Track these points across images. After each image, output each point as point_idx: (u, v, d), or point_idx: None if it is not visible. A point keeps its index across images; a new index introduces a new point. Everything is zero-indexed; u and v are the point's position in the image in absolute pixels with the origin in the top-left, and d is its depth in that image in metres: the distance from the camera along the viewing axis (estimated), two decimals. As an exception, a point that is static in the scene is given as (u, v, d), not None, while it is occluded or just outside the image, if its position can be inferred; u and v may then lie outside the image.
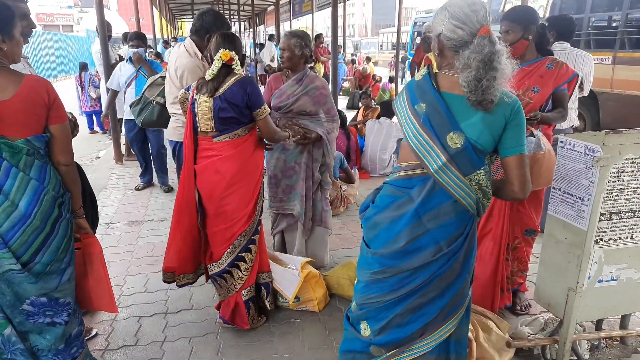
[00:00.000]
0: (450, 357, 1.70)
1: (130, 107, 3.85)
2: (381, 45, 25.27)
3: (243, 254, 2.47)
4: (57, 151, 1.83)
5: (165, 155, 5.15)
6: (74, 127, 2.16)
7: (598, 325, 2.48)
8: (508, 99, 1.55)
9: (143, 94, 3.73)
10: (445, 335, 1.65)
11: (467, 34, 1.50)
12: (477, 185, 1.57)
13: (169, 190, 5.19)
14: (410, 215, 1.57)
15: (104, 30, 5.93)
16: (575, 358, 2.32)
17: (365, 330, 1.73)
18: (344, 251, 3.70)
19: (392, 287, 1.63)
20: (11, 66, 1.77)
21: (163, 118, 3.39)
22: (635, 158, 2.05)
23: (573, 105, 3.33)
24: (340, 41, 15.47)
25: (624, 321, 2.49)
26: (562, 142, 2.17)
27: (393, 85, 11.22)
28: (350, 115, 7.91)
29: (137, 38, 5.25)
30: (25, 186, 1.71)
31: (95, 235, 2.33)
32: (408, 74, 18.04)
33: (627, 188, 2.09)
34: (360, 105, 8.03)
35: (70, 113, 2.13)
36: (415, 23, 18.95)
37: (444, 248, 1.58)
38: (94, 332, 2.63)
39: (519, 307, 2.77)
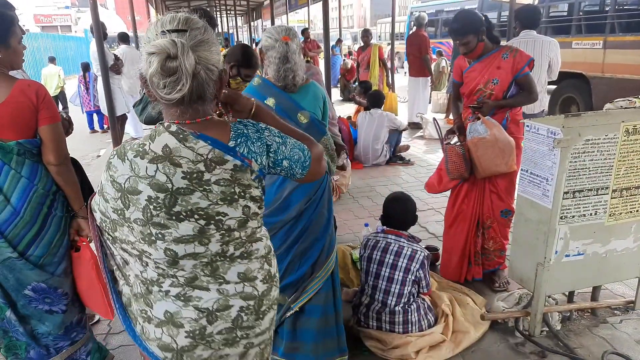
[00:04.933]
0: (336, 290, 2.19)
1: (134, 107, 4.00)
2: (379, 36, 25.25)
3: None
4: (47, 151, 1.87)
5: None
6: (68, 126, 2.25)
7: (570, 297, 2.62)
8: (319, 86, 2.15)
9: (144, 94, 3.89)
10: (329, 271, 2.13)
11: (273, 40, 2.00)
12: (325, 149, 2.06)
13: None
14: (281, 178, 2.02)
15: (99, 30, 6.02)
16: (547, 329, 2.47)
17: None
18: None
19: (281, 239, 2.07)
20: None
21: (162, 116, 3.58)
22: (595, 139, 2.18)
23: (542, 89, 3.49)
24: (337, 33, 15.52)
25: (594, 293, 2.63)
26: (528, 126, 2.31)
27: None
28: (343, 109, 8.00)
29: None
30: (16, 183, 1.83)
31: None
32: (405, 63, 18.04)
33: (589, 167, 2.22)
34: (357, 98, 8.14)
35: (65, 112, 2.21)
36: (411, 13, 18.94)
37: (311, 196, 2.05)
38: (96, 318, 2.79)
39: (497, 284, 2.92)
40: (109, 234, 1.24)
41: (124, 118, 6.95)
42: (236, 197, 1.16)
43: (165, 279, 1.20)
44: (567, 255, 2.33)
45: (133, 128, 7.79)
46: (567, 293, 2.63)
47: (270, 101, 2.01)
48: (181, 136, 1.12)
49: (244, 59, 2.59)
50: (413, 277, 2.34)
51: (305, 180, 1.35)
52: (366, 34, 8.15)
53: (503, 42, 3.15)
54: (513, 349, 2.40)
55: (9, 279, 1.89)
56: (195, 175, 1.12)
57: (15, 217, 1.82)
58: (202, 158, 1.12)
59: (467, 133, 2.68)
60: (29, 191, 1.85)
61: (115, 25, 25.71)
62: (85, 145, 7.85)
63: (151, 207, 1.12)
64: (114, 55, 6.84)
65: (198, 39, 1.11)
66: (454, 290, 2.76)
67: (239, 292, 1.24)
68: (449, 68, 10.32)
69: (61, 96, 10.24)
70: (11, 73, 1.91)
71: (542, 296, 2.33)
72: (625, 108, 2.46)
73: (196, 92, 1.12)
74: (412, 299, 2.38)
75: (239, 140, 1.17)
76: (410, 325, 2.34)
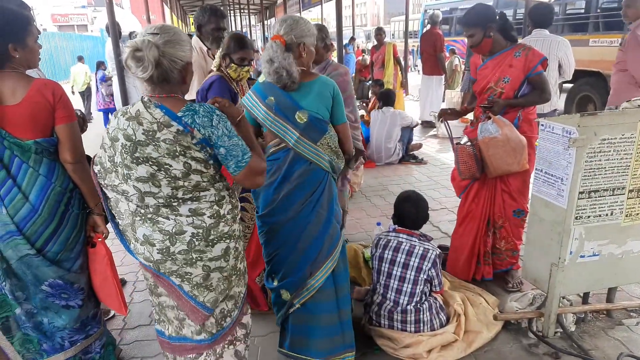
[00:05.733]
0: (337, 287, 2.17)
1: None
2: (393, 34, 25.13)
3: None
4: (63, 150, 1.91)
5: None
6: (82, 124, 2.28)
7: (584, 298, 2.59)
8: (331, 83, 2.07)
9: None
10: (329, 271, 2.12)
11: (268, 40, 2.02)
12: (329, 148, 2.06)
13: None
14: (280, 179, 2.06)
15: (115, 30, 6.10)
16: (561, 330, 2.44)
17: (275, 281, 2.22)
18: (346, 236, 3.85)
19: (281, 239, 2.12)
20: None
21: None
22: (612, 138, 2.15)
23: (552, 89, 3.46)
24: (350, 31, 15.49)
25: (610, 295, 2.60)
26: (542, 125, 2.28)
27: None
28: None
29: None
30: (34, 181, 1.87)
31: (109, 225, 2.46)
32: (419, 61, 17.95)
33: (605, 167, 2.19)
34: (369, 94, 8.13)
35: (79, 110, 2.24)
36: (425, 11, 18.81)
37: (308, 197, 2.05)
38: (111, 314, 2.84)
39: (511, 285, 2.89)
40: (102, 181, 1.67)
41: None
42: (177, 154, 1.54)
43: (143, 209, 1.62)
44: (582, 256, 2.31)
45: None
46: (581, 294, 2.60)
47: (270, 100, 2.03)
48: (147, 104, 1.57)
49: (229, 44, 2.61)
50: (425, 276, 2.33)
51: (238, 179, 1.68)
52: (379, 33, 8.12)
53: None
54: (526, 350, 2.38)
55: (27, 274, 1.93)
56: (150, 132, 1.54)
57: (34, 215, 1.87)
58: (156, 120, 1.54)
59: (478, 133, 2.66)
60: (46, 189, 1.89)
61: (130, 24, 25.97)
62: (99, 142, 7.97)
63: (123, 151, 1.56)
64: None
65: (165, 39, 1.54)
66: (467, 290, 2.74)
67: (190, 223, 1.63)
68: (462, 66, 10.23)
69: (87, 92, 11.08)
70: (27, 72, 1.94)
71: (556, 297, 2.31)
72: (643, 107, 2.41)
73: (161, 76, 1.56)
74: (424, 298, 2.37)
75: (187, 113, 1.56)
76: (422, 325, 2.34)
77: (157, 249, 1.63)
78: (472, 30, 2.62)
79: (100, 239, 2.10)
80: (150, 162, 1.54)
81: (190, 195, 1.60)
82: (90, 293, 2.15)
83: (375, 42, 8.24)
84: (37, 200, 1.87)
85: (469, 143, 2.71)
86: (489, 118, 2.62)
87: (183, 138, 1.54)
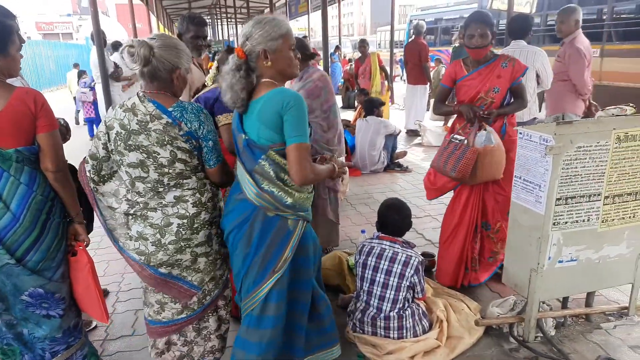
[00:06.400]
0: (249, 329, 1.93)
1: None
2: (379, 44, 25.38)
3: None
4: (45, 159, 1.89)
5: None
6: (66, 132, 2.28)
7: (564, 303, 2.64)
8: (282, 95, 1.73)
9: None
10: (248, 309, 1.93)
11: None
12: (267, 176, 1.78)
13: None
14: (227, 202, 1.96)
15: (100, 38, 6.08)
16: (541, 335, 2.48)
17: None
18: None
19: (231, 260, 2.00)
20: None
21: None
22: (587, 146, 2.21)
23: (531, 99, 3.58)
24: (336, 41, 15.62)
25: (588, 299, 2.65)
26: (521, 133, 2.33)
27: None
28: (343, 116, 8.02)
29: None
30: (15, 190, 1.85)
31: (93, 234, 2.45)
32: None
33: (581, 174, 2.25)
34: (356, 104, 8.20)
35: (62, 119, 2.24)
36: (410, 21, 19.07)
37: (232, 226, 1.88)
38: (93, 325, 2.81)
39: None
40: (94, 181, 1.91)
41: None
42: (165, 142, 1.76)
43: (134, 207, 1.87)
44: (560, 261, 2.35)
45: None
46: (561, 299, 2.65)
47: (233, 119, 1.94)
48: (142, 98, 1.80)
49: None
50: (408, 283, 2.36)
51: (213, 172, 1.89)
52: (363, 44, 8.22)
53: (498, 51, 3.21)
54: (507, 355, 2.41)
55: (6, 285, 1.90)
56: (143, 123, 1.77)
57: (15, 224, 1.84)
58: (149, 112, 1.77)
59: (479, 142, 2.69)
60: (28, 197, 1.88)
61: (116, 33, 25.84)
62: (84, 152, 7.90)
63: (117, 138, 1.80)
64: (114, 63, 6.90)
65: (159, 43, 1.77)
66: (449, 296, 2.77)
67: (175, 212, 1.85)
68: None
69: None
70: (11, 81, 1.93)
71: (536, 302, 2.35)
72: (617, 115, 2.49)
73: (151, 73, 1.78)
74: (406, 305, 2.40)
75: (176, 108, 1.79)
76: (405, 331, 2.36)
77: (150, 242, 1.86)
78: (487, 29, 2.67)
79: (81, 247, 2.09)
80: (140, 150, 1.77)
81: (175, 182, 1.83)
82: (72, 302, 2.12)
83: (360, 54, 8.32)
84: (18, 209, 1.85)
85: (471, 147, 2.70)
86: (484, 129, 2.68)
87: (171, 129, 1.76)
